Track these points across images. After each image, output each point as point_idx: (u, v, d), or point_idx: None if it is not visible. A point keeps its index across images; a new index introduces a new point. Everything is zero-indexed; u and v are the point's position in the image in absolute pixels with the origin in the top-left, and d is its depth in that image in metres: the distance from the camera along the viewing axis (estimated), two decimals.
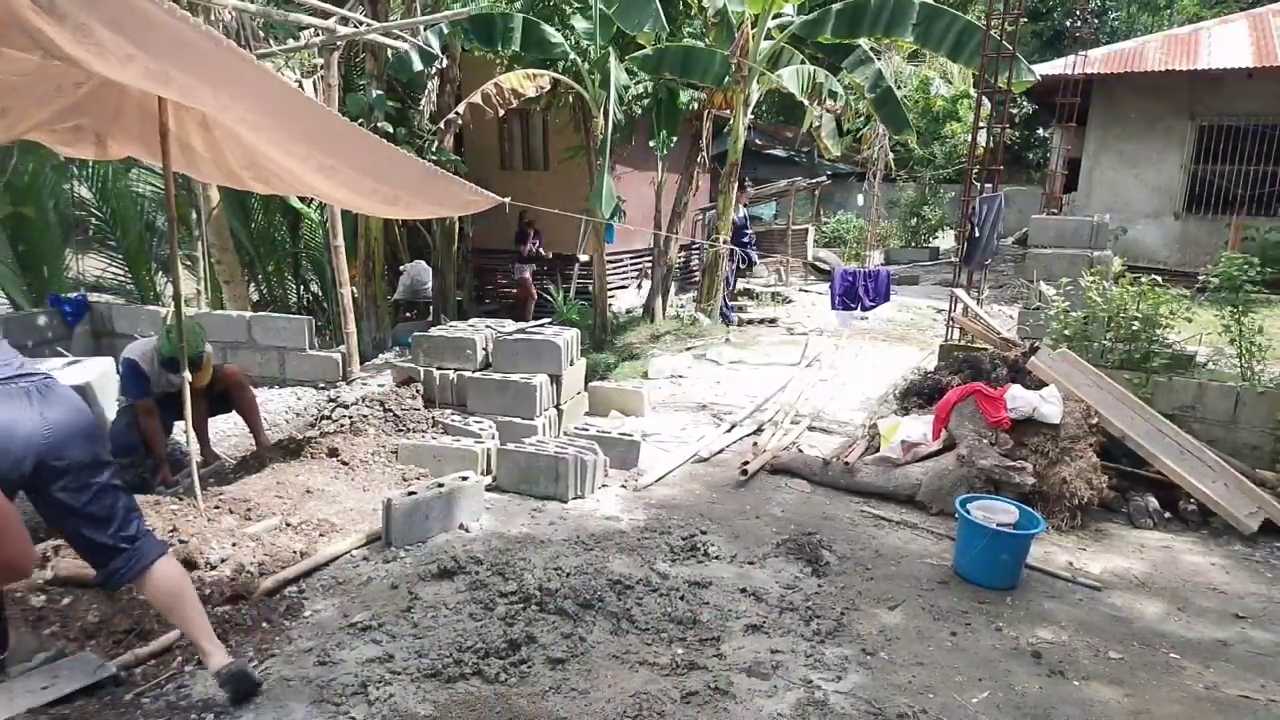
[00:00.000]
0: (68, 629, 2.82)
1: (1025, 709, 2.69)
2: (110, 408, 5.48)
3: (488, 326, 5.95)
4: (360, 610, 3.17)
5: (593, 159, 10.04)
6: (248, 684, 2.55)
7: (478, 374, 5.53)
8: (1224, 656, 3.11)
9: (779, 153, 21.03)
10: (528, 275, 11.77)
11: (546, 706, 2.58)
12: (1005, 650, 3.07)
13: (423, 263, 12.08)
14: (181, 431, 4.63)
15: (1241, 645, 3.21)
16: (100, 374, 5.55)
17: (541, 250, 11.82)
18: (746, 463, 5.01)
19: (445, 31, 8.92)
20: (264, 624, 3.01)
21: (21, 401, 2.35)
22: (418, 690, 2.65)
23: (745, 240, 11.77)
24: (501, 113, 9.04)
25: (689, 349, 9.06)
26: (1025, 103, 18.09)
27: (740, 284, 14.06)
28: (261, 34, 8.94)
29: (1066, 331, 5.54)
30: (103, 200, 10.29)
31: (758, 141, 18.87)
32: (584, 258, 12.03)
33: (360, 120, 8.49)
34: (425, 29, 8.54)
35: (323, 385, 6.95)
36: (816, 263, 16.65)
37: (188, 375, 4.13)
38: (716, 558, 3.78)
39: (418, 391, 5.63)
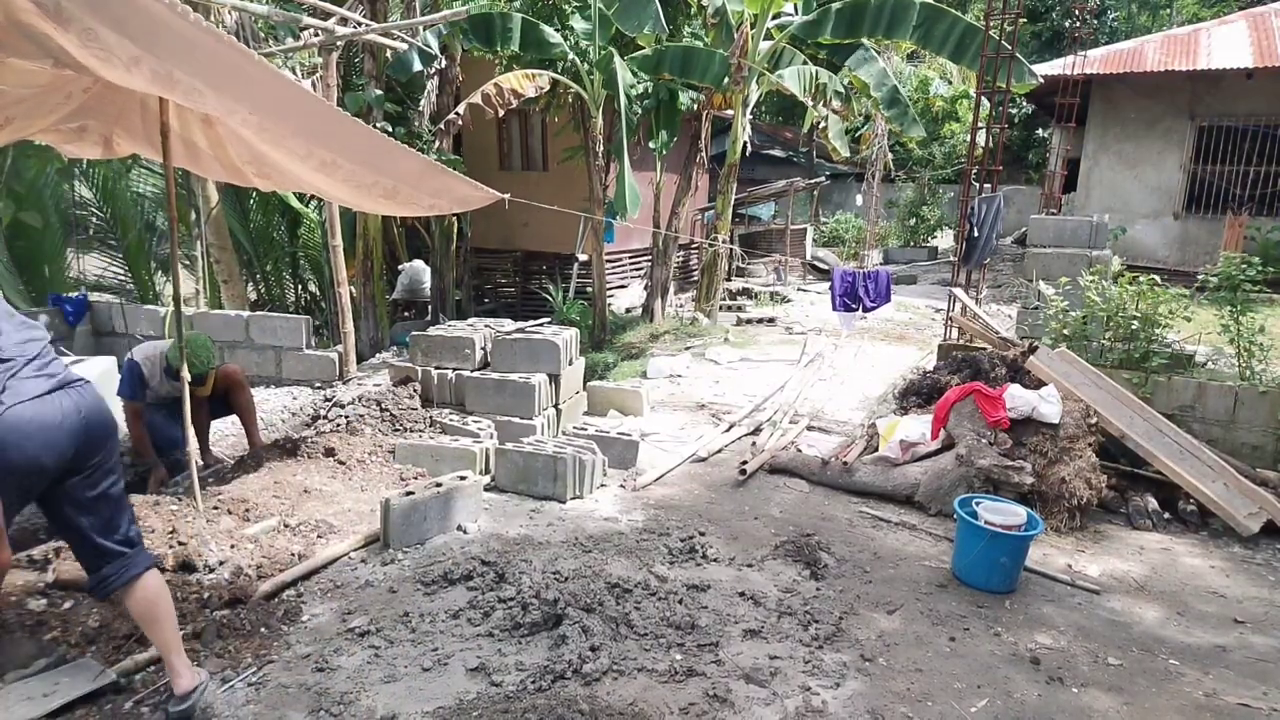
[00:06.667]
0: (68, 634, 2.81)
1: (1024, 718, 2.68)
2: (111, 405, 5.49)
3: (486, 326, 5.94)
4: (359, 615, 3.17)
5: (591, 159, 10.03)
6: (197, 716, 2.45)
7: (476, 373, 5.53)
8: (1224, 663, 3.10)
9: (778, 153, 21.02)
10: None
11: (546, 715, 2.57)
12: (1004, 656, 3.07)
13: (421, 262, 12.08)
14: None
15: (1241, 651, 3.20)
16: (101, 373, 5.55)
17: None
18: (745, 462, 5.00)
19: (444, 32, 8.90)
20: (262, 629, 3.00)
21: (63, 408, 2.34)
22: (417, 699, 2.63)
23: None
24: (501, 113, 9.03)
25: (688, 348, 9.05)
26: (1024, 103, 18.08)
27: (738, 283, 14.04)
28: (262, 34, 8.93)
29: (1065, 331, 5.53)
30: (104, 200, 10.31)
31: (756, 141, 18.86)
32: (583, 257, 12.03)
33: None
34: (424, 29, 8.52)
35: (319, 385, 6.94)
36: (815, 262, 16.68)
37: (187, 376, 4.17)
38: (715, 560, 3.77)
39: (415, 391, 5.62)
